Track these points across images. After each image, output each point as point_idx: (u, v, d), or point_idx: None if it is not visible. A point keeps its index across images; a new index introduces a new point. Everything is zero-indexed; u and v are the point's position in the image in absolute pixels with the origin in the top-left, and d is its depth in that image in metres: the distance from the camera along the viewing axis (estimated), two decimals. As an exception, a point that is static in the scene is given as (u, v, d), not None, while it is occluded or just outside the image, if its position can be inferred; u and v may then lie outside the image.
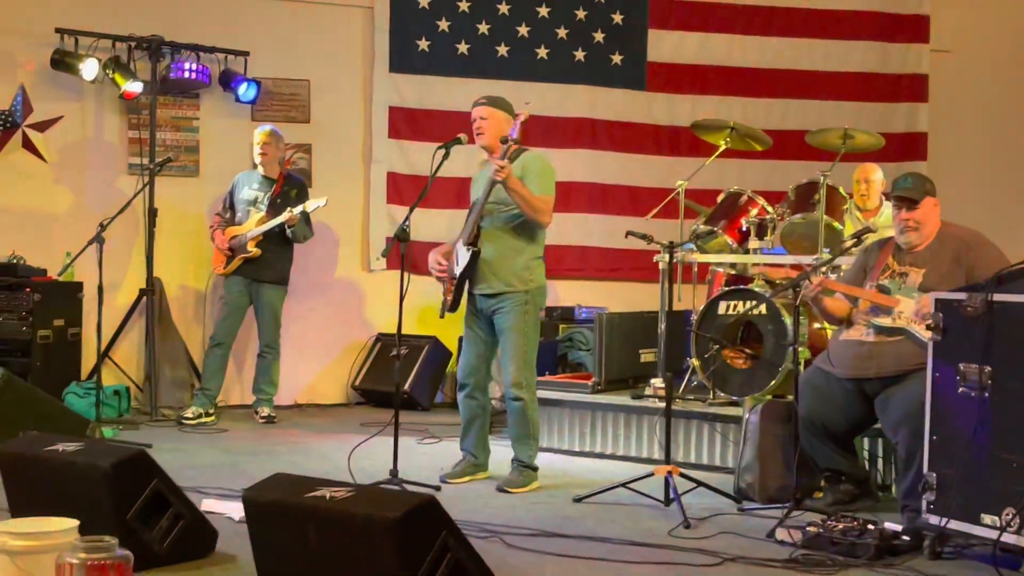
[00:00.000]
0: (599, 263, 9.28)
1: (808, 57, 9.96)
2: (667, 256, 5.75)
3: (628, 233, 6.04)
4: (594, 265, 9.21)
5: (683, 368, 7.66)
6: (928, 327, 4.63)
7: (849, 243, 5.56)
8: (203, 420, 7.86)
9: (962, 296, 4.50)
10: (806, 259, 6.53)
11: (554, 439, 7.00)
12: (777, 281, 5.86)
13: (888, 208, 7.56)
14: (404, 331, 8.94)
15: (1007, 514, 4.25)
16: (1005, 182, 9.99)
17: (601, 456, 6.86)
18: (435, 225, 8.72)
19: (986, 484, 4.34)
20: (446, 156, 5.87)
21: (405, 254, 5.69)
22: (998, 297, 4.36)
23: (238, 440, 7.31)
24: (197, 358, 8.59)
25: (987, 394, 4.37)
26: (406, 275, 8.91)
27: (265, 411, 8.08)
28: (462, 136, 5.92)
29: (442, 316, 6.02)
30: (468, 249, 5.82)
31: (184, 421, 7.79)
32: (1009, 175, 9.87)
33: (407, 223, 5.67)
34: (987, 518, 4.33)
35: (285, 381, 8.48)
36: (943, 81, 10.08)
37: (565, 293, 9.37)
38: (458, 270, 5.88)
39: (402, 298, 5.71)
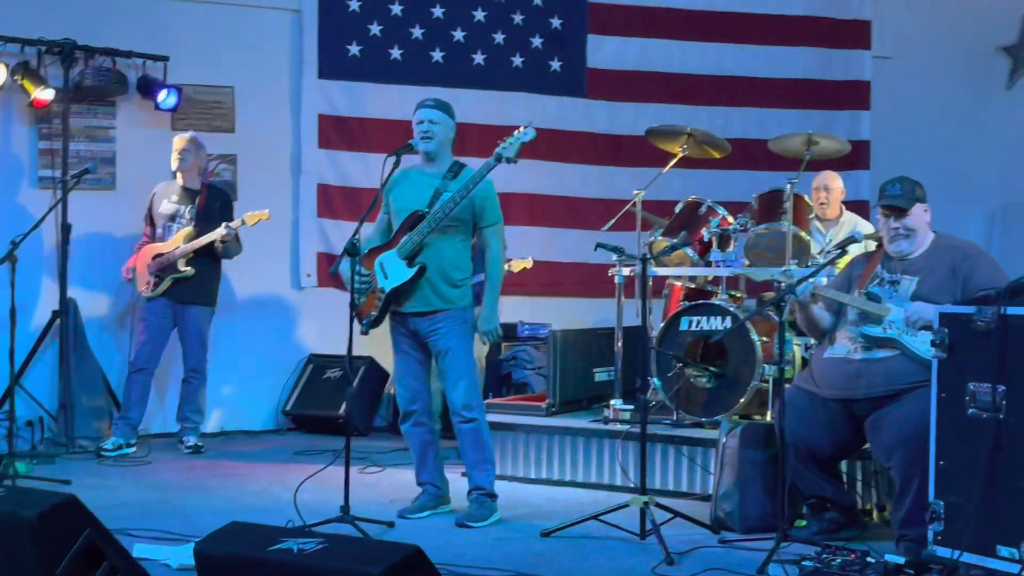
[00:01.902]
0: (541, 278, 8.91)
1: (750, 63, 9.75)
2: (639, 269, 5.34)
3: (598, 245, 5.67)
4: (536, 280, 8.83)
5: (637, 387, 7.37)
6: (932, 343, 4.31)
7: (834, 254, 5.23)
8: (124, 451, 7.34)
9: (971, 310, 4.19)
10: (774, 271, 6.25)
11: (507, 466, 6.61)
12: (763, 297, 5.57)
13: (848, 218, 7.34)
14: (336, 352, 8.75)
15: (1027, 546, 3.95)
16: (948, 190, 9.81)
17: (559, 483, 6.48)
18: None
19: (1002, 514, 4.05)
20: (397, 164, 5.45)
21: (354, 268, 5.24)
22: (1012, 311, 4.05)
23: (165, 473, 6.82)
24: (115, 384, 8.03)
25: (1001, 416, 4.07)
26: (334, 290, 8.81)
27: (191, 441, 7.59)
28: (414, 142, 5.49)
29: (365, 332, 5.59)
30: (410, 264, 5.40)
31: (104, 453, 7.28)
32: (952, 183, 9.69)
33: (357, 237, 5.24)
34: (1004, 551, 4.02)
35: (210, 406, 8.04)
36: (885, 88, 9.91)
37: (505, 309, 8.97)
38: (389, 284, 5.45)
39: (352, 319, 5.26)
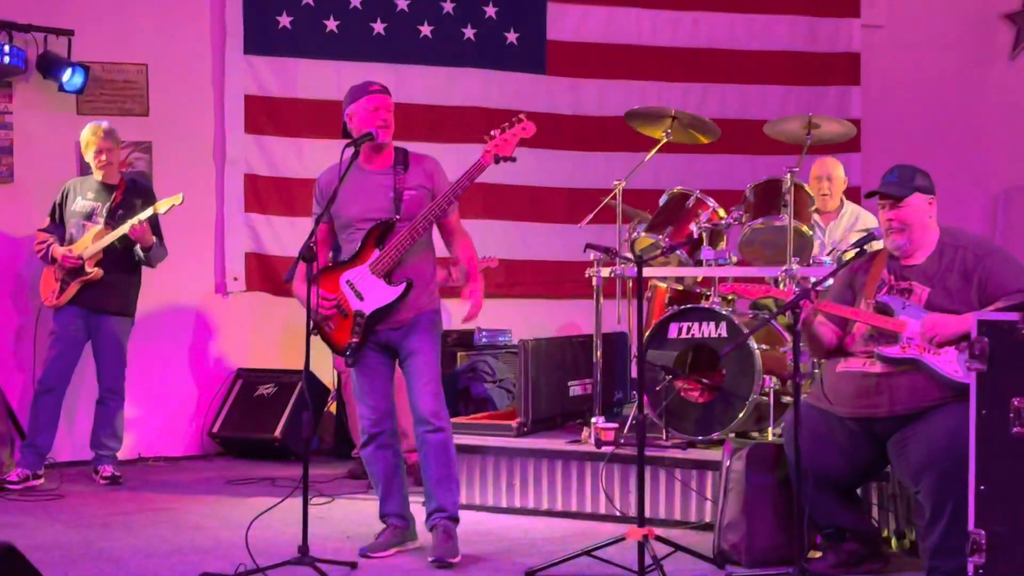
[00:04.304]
0: (499, 277, 8.87)
1: (728, 34, 9.82)
2: (630, 272, 5.33)
3: (588, 246, 5.66)
4: (493, 280, 8.78)
5: (615, 402, 7.40)
6: (971, 355, 4.34)
7: (851, 253, 5.24)
8: (31, 484, 7.23)
9: (1015, 317, 4.23)
10: (773, 271, 6.30)
11: (475, 493, 6.58)
12: (762, 301, 5.57)
13: (849, 209, 7.39)
14: (269, 365, 8.68)
15: (1083, 580, 3.99)
16: (945, 172, 9.90)
17: (535, 513, 6.46)
18: (303, 234, 8.22)
19: (1054, 544, 4.09)
20: (355, 156, 5.38)
21: (312, 277, 5.14)
22: (1062, 318, 4.10)
23: (81, 509, 6.71)
24: (17, 407, 7.88)
25: (1051, 435, 4.11)
26: (266, 296, 8.74)
27: (108, 470, 7.49)
28: (374, 132, 5.43)
29: (351, 364, 5.51)
30: (392, 283, 5.35)
31: (8, 486, 7.16)
32: (954, 164, 9.81)
33: (313, 240, 5.16)
34: (1057, 585, 4.07)
35: (126, 430, 7.87)
36: (876, 60, 10.00)
37: (456, 315, 8.96)
38: (367, 306, 5.38)
39: (309, 332, 5.18)
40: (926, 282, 4.96)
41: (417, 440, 5.55)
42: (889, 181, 5.06)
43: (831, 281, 5.49)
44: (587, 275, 6.76)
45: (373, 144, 5.47)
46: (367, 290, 5.39)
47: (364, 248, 5.43)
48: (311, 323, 5.21)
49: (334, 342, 5.51)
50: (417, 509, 5.78)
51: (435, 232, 5.57)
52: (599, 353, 6.75)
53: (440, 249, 5.70)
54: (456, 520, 5.52)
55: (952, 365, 4.72)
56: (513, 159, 5.46)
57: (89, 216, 7.42)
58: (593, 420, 6.51)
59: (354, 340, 5.42)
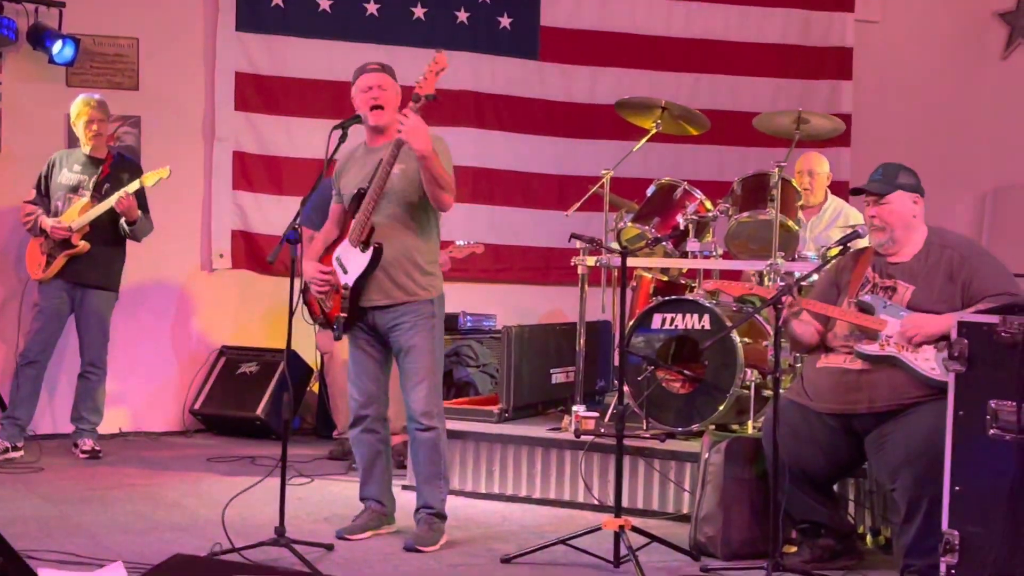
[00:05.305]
0: (485, 262, 8.85)
1: (722, 25, 9.81)
2: (619, 262, 5.32)
3: (573, 236, 5.65)
4: (479, 264, 8.79)
5: (597, 390, 7.41)
6: (950, 356, 4.36)
7: (835, 251, 5.26)
8: (10, 456, 7.22)
9: (994, 320, 4.24)
10: (758, 264, 6.31)
11: (454, 478, 6.55)
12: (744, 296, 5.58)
13: (832, 203, 7.41)
14: (252, 344, 8.67)
15: (1055, 583, 4.02)
16: (935, 171, 9.92)
17: (513, 499, 6.47)
18: (291, 213, 8.20)
19: (1027, 546, 4.11)
20: (343, 138, 5.38)
21: (296, 257, 5.15)
22: (1042, 322, 4.11)
23: (60, 482, 6.70)
24: (-1, 379, 7.91)
25: (1027, 437, 4.13)
26: (251, 274, 8.72)
27: (88, 444, 7.48)
28: (363, 115, 5.42)
29: (338, 337, 5.52)
30: (365, 248, 5.32)
31: (-13, 457, 7.17)
32: (943, 163, 9.82)
33: (298, 221, 5.16)
34: (1029, 587, 4.09)
35: (107, 405, 7.84)
36: (869, 55, 10.00)
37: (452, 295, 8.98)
38: (350, 277, 5.37)
39: (291, 312, 5.17)
40: (911, 280, 4.97)
41: (409, 435, 5.57)
42: (873, 179, 5.10)
43: (815, 277, 5.50)
44: (573, 263, 6.77)
45: (374, 124, 5.45)
46: (349, 262, 5.38)
47: (347, 222, 5.44)
48: (294, 303, 5.20)
49: (328, 316, 5.51)
50: (398, 492, 5.82)
51: (433, 220, 5.52)
52: (582, 341, 6.76)
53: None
54: (442, 516, 5.53)
55: (929, 363, 4.75)
56: (435, 97, 5.34)
57: (75, 189, 7.40)
58: (574, 408, 6.52)
59: (342, 314, 5.42)
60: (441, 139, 5.44)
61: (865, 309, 4.96)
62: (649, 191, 6.87)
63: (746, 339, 6.23)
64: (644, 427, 6.31)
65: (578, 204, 7.02)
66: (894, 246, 5.06)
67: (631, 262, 6.71)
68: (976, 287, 4.84)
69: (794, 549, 5.26)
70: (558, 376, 7.20)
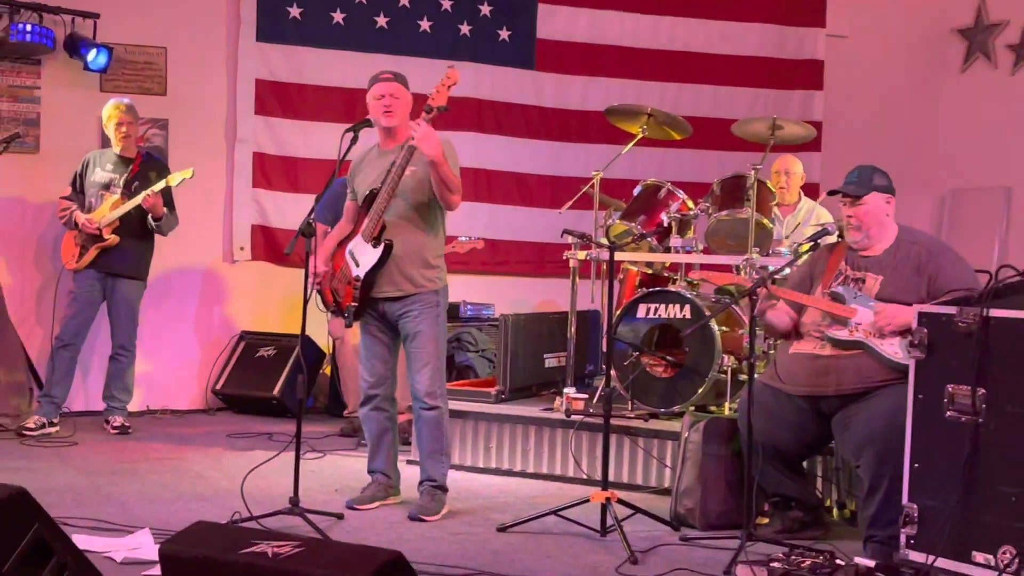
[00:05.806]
0: (484, 256, 8.87)
1: (704, 39, 9.80)
2: (609, 256, 5.31)
3: (565, 232, 5.65)
4: (479, 258, 8.80)
5: (586, 374, 7.40)
6: (911, 344, 4.37)
7: (806, 247, 5.26)
8: (47, 431, 7.21)
9: (952, 310, 4.25)
10: (736, 259, 6.31)
11: (455, 454, 6.56)
12: (727, 287, 5.57)
13: (806, 204, 7.41)
14: (270, 329, 8.67)
15: (1004, 553, 4.02)
16: (899, 174, 9.91)
17: (509, 473, 6.47)
18: (306, 210, 8.20)
19: (979, 519, 4.12)
20: (354, 141, 5.37)
21: (310, 250, 5.15)
22: (995, 312, 4.11)
23: (92, 456, 6.70)
24: (36, 360, 7.87)
25: (981, 419, 4.13)
26: (269, 265, 8.71)
27: (118, 420, 7.47)
28: (374, 119, 5.42)
29: (349, 325, 5.53)
30: (377, 244, 5.32)
31: (26, 432, 7.13)
32: (905, 166, 9.81)
33: (312, 217, 5.15)
34: (980, 556, 4.10)
35: (136, 385, 7.85)
36: (839, 67, 10.00)
37: (457, 286, 8.99)
38: (361, 270, 5.37)
39: (306, 301, 5.18)
40: (880, 272, 4.98)
41: (414, 414, 5.58)
42: (850, 181, 5.09)
43: (788, 271, 5.50)
44: (565, 257, 6.77)
45: (386, 128, 5.46)
46: (361, 256, 5.40)
47: (360, 219, 5.45)
48: (308, 292, 5.21)
49: (340, 305, 5.52)
50: (403, 467, 5.82)
51: (440, 218, 5.52)
52: (573, 329, 6.77)
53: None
54: (444, 489, 5.53)
55: (894, 348, 4.75)
56: (446, 108, 5.36)
57: (107, 186, 7.40)
58: (565, 390, 6.52)
59: (353, 304, 5.42)
60: (450, 143, 5.44)
61: (837, 299, 4.97)
62: (635, 191, 6.86)
63: (723, 327, 6.22)
64: (629, 408, 6.30)
65: (570, 203, 7.03)
66: (868, 242, 5.06)
67: (618, 256, 6.71)
68: (941, 281, 4.84)
69: (766, 520, 5.29)
70: (551, 361, 7.19)
